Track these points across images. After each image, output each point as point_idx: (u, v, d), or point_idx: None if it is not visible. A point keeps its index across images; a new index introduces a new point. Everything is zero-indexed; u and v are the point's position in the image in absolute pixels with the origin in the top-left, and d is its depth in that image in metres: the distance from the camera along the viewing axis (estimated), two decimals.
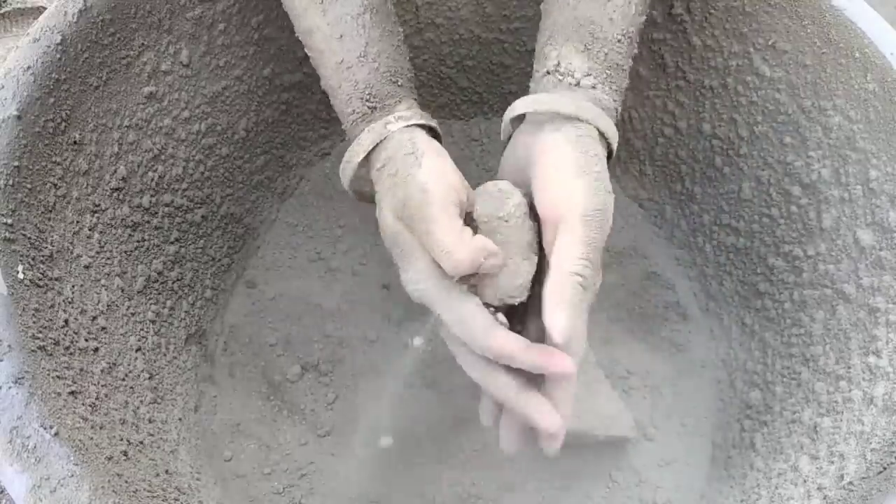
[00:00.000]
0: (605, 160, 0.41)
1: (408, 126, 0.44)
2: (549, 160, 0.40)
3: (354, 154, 0.44)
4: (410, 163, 0.41)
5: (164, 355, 0.51)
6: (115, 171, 0.48)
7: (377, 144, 0.43)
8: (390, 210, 0.41)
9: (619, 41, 0.44)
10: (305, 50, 0.48)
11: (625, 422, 0.53)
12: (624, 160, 0.65)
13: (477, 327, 0.38)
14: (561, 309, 0.36)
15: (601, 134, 0.42)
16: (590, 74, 0.43)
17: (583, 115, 0.42)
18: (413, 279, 0.41)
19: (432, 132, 0.46)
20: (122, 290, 0.48)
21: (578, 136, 0.41)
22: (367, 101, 0.45)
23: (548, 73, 0.44)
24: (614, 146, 0.44)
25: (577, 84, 0.43)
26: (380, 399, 0.57)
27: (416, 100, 0.47)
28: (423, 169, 0.41)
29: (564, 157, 0.40)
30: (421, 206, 0.39)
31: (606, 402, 0.53)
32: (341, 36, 0.45)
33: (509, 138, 0.46)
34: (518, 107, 0.44)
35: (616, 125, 0.44)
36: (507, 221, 0.40)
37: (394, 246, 0.42)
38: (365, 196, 0.47)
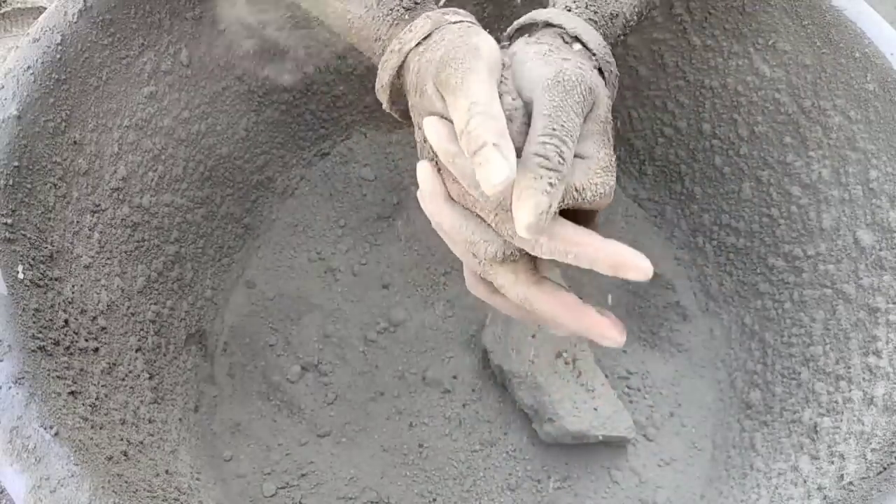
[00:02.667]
0: (577, 56, 0.39)
1: (459, 22, 0.40)
2: (517, 64, 0.38)
3: (406, 42, 0.39)
4: (467, 31, 0.37)
5: (164, 355, 0.51)
6: (115, 171, 0.48)
7: (431, 33, 0.38)
8: (430, 81, 0.36)
9: None
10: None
11: (623, 423, 0.53)
12: (624, 160, 0.65)
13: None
14: (521, 201, 0.32)
15: (569, 35, 0.40)
16: (566, 1, 0.42)
17: (539, 17, 0.40)
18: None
19: None
20: (122, 290, 0.48)
21: (536, 41, 0.39)
22: (402, 2, 0.40)
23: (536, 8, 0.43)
24: (592, 45, 0.40)
25: (553, 5, 0.42)
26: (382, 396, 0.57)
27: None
28: (482, 36, 0.37)
29: (526, 55, 0.38)
30: (466, 57, 0.35)
31: (605, 402, 0.54)
32: None
33: None
34: (503, 36, 0.43)
35: (606, 43, 0.42)
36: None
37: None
38: (399, 102, 0.42)
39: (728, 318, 0.58)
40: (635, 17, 0.46)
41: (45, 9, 0.67)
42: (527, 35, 0.42)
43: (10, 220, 0.39)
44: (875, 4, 0.47)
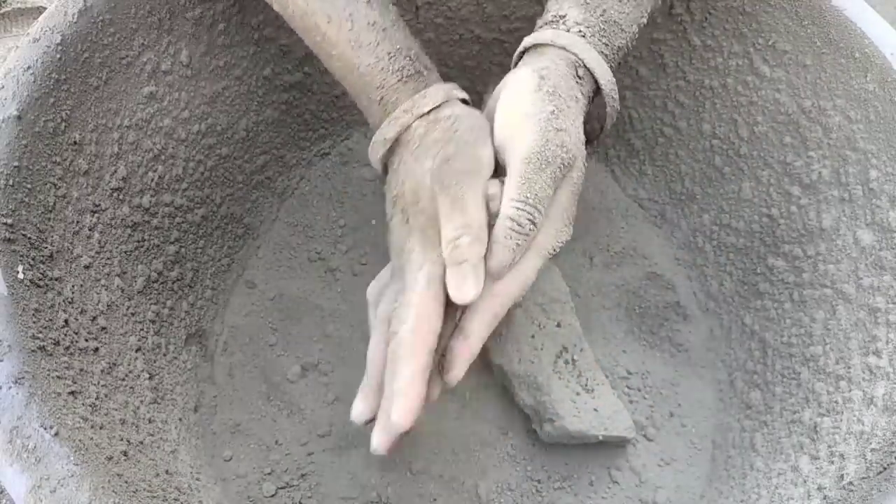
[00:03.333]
0: (572, 96, 0.40)
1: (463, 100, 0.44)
2: (506, 98, 0.40)
3: (420, 107, 0.42)
4: (479, 131, 0.41)
5: (164, 355, 0.51)
6: (115, 171, 0.48)
7: (440, 104, 0.42)
8: (430, 161, 0.40)
9: (620, 1, 0.43)
10: (312, 35, 0.46)
11: (623, 423, 0.53)
12: (624, 160, 0.65)
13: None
14: (491, 253, 0.37)
15: (585, 67, 0.41)
16: (581, 24, 0.43)
17: (558, 41, 0.41)
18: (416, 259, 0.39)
19: None
20: (122, 290, 0.48)
21: (543, 68, 0.40)
22: (413, 60, 0.44)
23: (545, 24, 0.44)
24: (603, 82, 0.42)
25: (568, 31, 0.43)
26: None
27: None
28: (488, 148, 0.40)
29: (519, 94, 0.39)
30: (469, 172, 0.39)
31: (605, 402, 0.54)
32: (369, 1, 0.44)
33: None
34: (515, 54, 0.44)
35: (612, 72, 0.43)
36: None
37: (412, 206, 0.40)
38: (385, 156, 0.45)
39: (728, 318, 0.58)
40: (632, 46, 0.47)
41: (45, 9, 0.67)
42: (532, 53, 0.43)
43: (10, 220, 0.39)
44: (875, 4, 0.47)
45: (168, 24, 0.51)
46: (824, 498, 0.41)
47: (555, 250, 0.40)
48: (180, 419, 0.50)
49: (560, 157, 0.38)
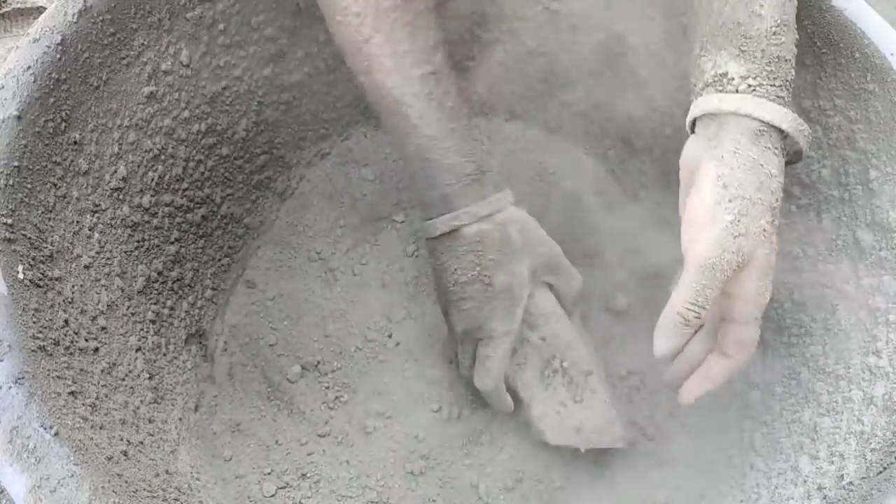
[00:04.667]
0: (761, 181, 0.41)
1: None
2: (692, 202, 0.42)
3: (495, 206, 0.51)
4: (536, 228, 0.54)
5: (164, 355, 0.51)
6: (116, 171, 0.48)
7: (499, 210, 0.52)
8: (528, 262, 0.52)
9: (774, 33, 0.42)
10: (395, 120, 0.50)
11: (611, 434, 0.52)
12: (624, 160, 0.65)
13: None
14: (660, 332, 0.43)
15: (778, 130, 0.41)
16: (748, 76, 0.41)
17: (729, 108, 0.41)
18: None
19: None
20: (122, 290, 0.48)
21: (726, 170, 0.40)
22: (478, 165, 0.51)
23: (706, 85, 0.43)
24: (799, 139, 0.42)
25: (736, 90, 0.41)
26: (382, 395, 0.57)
27: None
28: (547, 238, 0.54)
29: (702, 202, 0.41)
30: (561, 259, 0.54)
31: (594, 413, 0.53)
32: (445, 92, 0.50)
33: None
34: (689, 115, 0.44)
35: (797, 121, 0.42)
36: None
37: (516, 301, 0.52)
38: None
39: None
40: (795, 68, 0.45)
41: (45, 9, 0.67)
42: (708, 125, 0.43)
43: (10, 220, 0.39)
44: (875, 4, 0.47)
45: (168, 24, 0.51)
46: (824, 498, 0.41)
47: (758, 317, 0.42)
48: (180, 419, 0.50)
49: (736, 262, 0.40)
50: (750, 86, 0.41)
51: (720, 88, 0.42)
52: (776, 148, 0.41)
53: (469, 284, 0.51)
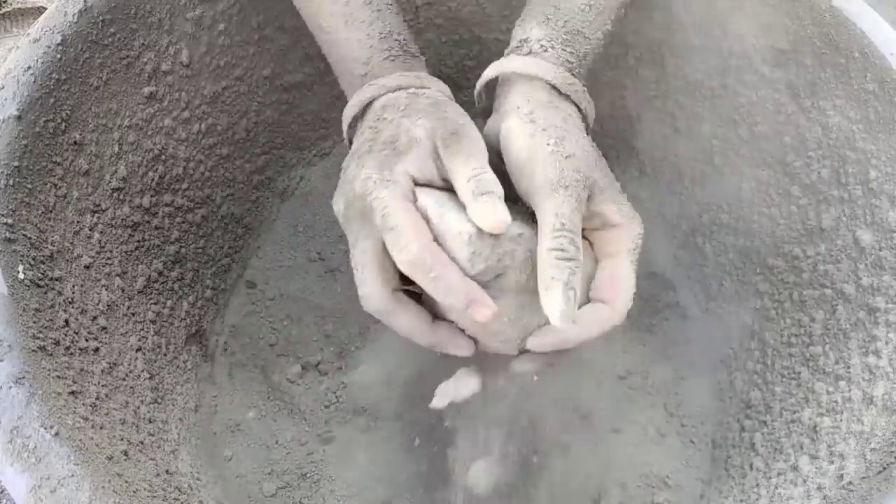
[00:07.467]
0: (564, 118, 0.41)
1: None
2: (511, 147, 0.41)
3: (406, 80, 0.43)
4: (449, 104, 0.43)
5: (164, 355, 0.51)
6: (116, 172, 0.48)
7: (430, 87, 0.44)
8: (425, 120, 0.40)
9: (582, 10, 0.45)
10: (307, 5, 0.47)
11: None
12: (624, 160, 0.65)
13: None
14: (550, 291, 0.36)
15: (557, 90, 0.43)
16: (542, 40, 0.44)
17: (526, 70, 0.42)
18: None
19: None
20: (123, 290, 0.48)
21: (530, 110, 0.41)
22: (403, 44, 0.45)
23: (511, 52, 0.45)
24: (580, 102, 0.44)
25: (530, 52, 0.44)
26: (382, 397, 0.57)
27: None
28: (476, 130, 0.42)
29: (519, 140, 0.40)
30: (475, 137, 0.40)
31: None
32: None
33: (483, 106, 0.48)
34: (479, 81, 0.45)
35: (582, 86, 0.44)
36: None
37: (397, 153, 0.40)
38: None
39: (728, 318, 0.58)
40: (600, 50, 0.47)
41: (45, 9, 0.67)
42: (511, 95, 0.43)
43: (10, 220, 0.39)
44: (875, 4, 0.47)
45: (168, 24, 0.51)
46: (824, 498, 0.41)
47: (638, 245, 0.41)
48: (180, 419, 0.50)
49: (577, 180, 0.39)
50: (543, 47, 0.43)
51: (518, 52, 0.44)
52: (568, 105, 0.43)
53: (355, 153, 0.42)
